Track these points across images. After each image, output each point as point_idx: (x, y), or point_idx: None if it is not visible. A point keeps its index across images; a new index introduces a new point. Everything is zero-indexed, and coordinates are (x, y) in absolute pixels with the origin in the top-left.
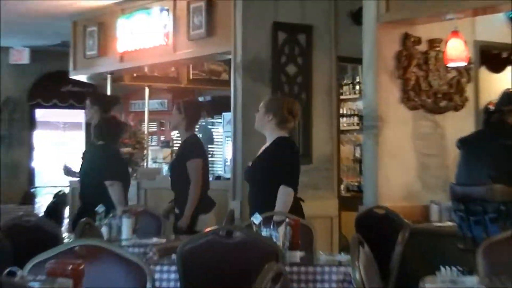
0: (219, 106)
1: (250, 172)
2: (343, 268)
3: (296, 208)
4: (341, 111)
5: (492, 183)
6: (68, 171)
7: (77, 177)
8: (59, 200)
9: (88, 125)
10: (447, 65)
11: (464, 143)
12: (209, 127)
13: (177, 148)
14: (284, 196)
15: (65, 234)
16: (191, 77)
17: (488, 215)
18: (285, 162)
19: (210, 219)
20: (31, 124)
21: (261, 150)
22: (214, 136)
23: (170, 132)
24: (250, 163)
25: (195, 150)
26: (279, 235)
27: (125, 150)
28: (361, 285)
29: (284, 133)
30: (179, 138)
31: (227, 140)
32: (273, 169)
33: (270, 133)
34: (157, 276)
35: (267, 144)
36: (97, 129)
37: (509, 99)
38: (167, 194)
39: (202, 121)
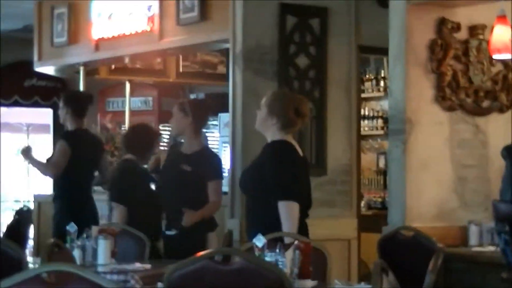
0: (215, 105)
1: (242, 180)
2: None
3: (300, 226)
4: (362, 112)
5: None
6: (27, 154)
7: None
8: (22, 218)
9: (57, 127)
10: (492, 57)
11: (511, 152)
12: (203, 130)
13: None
14: (287, 213)
15: (29, 258)
16: (180, 70)
17: None
18: (281, 171)
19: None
20: None
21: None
22: (208, 141)
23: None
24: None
25: (218, 168)
26: (286, 261)
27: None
28: None
29: (286, 137)
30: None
31: (224, 146)
32: (266, 179)
33: (271, 136)
34: None
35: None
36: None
37: None
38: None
39: None
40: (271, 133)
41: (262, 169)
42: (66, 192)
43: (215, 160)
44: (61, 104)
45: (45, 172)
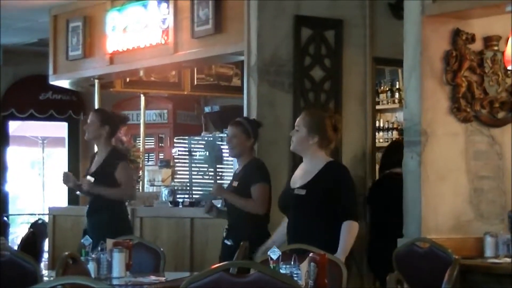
0: (230, 117)
1: (302, 200)
2: None
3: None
4: (377, 124)
5: None
6: (68, 180)
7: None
8: (37, 231)
9: (72, 141)
10: (507, 68)
11: None
12: (218, 143)
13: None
14: (351, 232)
15: (44, 271)
16: (195, 82)
17: None
18: (347, 191)
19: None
20: (3, 139)
21: (299, 178)
22: (223, 154)
23: (171, 149)
24: (301, 192)
25: (261, 173)
26: (301, 273)
27: None
28: None
29: (326, 155)
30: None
31: None
32: (333, 198)
33: (313, 157)
34: None
35: (312, 170)
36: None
37: None
38: (167, 223)
39: (209, 136)
40: (311, 152)
41: (332, 190)
42: (106, 206)
43: (259, 166)
44: (96, 121)
45: (127, 198)
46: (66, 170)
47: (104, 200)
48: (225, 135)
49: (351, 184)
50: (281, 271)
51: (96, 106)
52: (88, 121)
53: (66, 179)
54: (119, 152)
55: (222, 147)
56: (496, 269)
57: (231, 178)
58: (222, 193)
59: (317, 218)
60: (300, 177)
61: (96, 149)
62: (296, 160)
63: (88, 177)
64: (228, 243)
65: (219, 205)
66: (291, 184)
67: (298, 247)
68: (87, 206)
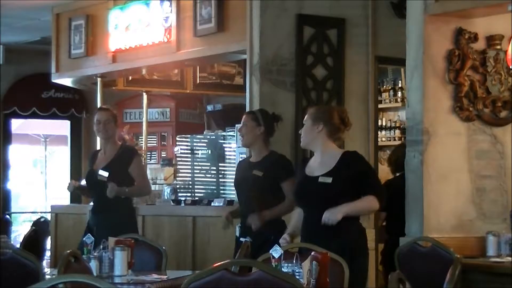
0: (232, 116)
1: (329, 186)
2: None
3: (361, 235)
4: (379, 123)
5: None
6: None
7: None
8: (39, 229)
9: (75, 139)
10: (510, 67)
11: None
12: (220, 141)
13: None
14: (366, 201)
15: (46, 269)
16: (198, 81)
17: None
18: (374, 177)
19: None
20: (6, 137)
21: (317, 168)
22: (225, 152)
23: (173, 147)
24: (327, 179)
25: (290, 168)
26: (303, 272)
27: None
28: None
29: (338, 147)
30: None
31: (242, 157)
32: (357, 186)
33: (324, 147)
34: None
35: (330, 160)
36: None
37: None
38: (169, 222)
39: (211, 135)
40: (321, 143)
41: (357, 178)
42: (114, 204)
43: (285, 160)
44: (112, 120)
45: (145, 194)
46: (69, 170)
47: (111, 198)
48: (228, 133)
49: (374, 170)
50: (283, 269)
51: (99, 105)
52: (102, 119)
53: (72, 188)
54: (132, 147)
55: (224, 145)
56: (498, 269)
57: (233, 176)
58: (264, 219)
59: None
60: (317, 168)
61: (99, 147)
62: (298, 160)
63: (101, 172)
64: (247, 240)
65: (221, 204)
66: (309, 174)
67: (287, 247)
68: (92, 203)
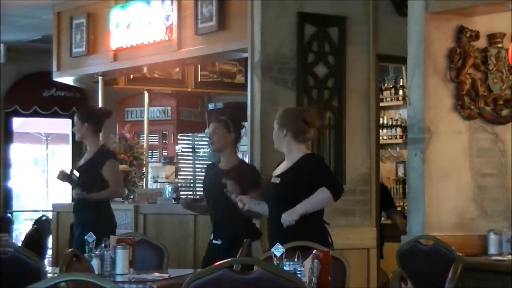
0: (232, 114)
1: (277, 189)
2: None
3: (321, 233)
4: (380, 121)
5: None
6: (64, 176)
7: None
8: (40, 227)
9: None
10: (511, 65)
11: None
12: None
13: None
14: (320, 196)
15: (48, 268)
16: (199, 79)
17: None
18: (328, 174)
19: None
20: (7, 136)
21: (279, 169)
22: None
23: (174, 145)
24: (276, 180)
25: (256, 180)
26: (304, 270)
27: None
28: None
29: (305, 149)
30: (188, 155)
31: (243, 156)
32: (307, 187)
33: (289, 150)
34: None
35: (289, 163)
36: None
37: None
38: (170, 220)
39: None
40: (287, 145)
41: (307, 177)
42: (92, 205)
43: (253, 173)
44: (78, 121)
45: (114, 197)
46: (66, 167)
47: (89, 199)
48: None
49: (330, 170)
50: (284, 268)
51: (100, 103)
52: (74, 121)
53: (61, 176)
54: (108, 150)
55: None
56: (500, 267)
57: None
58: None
59: (289, 206)
60: (280, 169)
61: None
62: None
63: (75, 172)
64: (218, 242)
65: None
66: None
67: (289, 246)
68: (74, 202)
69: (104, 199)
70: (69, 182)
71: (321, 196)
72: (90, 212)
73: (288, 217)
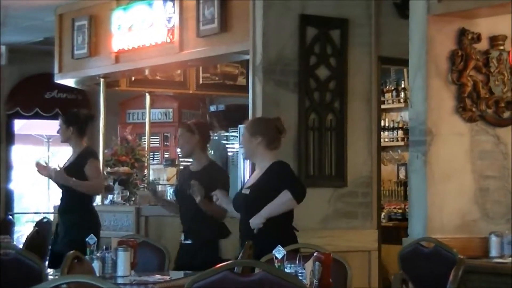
0: (235, 116)
1: (247, 199)
2: None
3: (289, 236)
4: (382, 123)
5: None
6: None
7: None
8: (42, 229)
9: None
10: None
11: None
12: (223, 142)
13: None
14: (282, 199)
15: (49, 270)
16: (200, 81)
17: None
18: (291, 178)
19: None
20: (9, 137)
21: (251, 180)
22: (228, 153)
23: (176, 148)
24: (246, 191)
25: (224, 181)
26: (306, 272)
27: (121, 169)
28: None
29: (275, 157)
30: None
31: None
32: (275, 193)
33: (261, 158)
34: None
35: (260, 171)
36: None
37: None
38: (172, 222)
39: (214, 135)
40: (260, 154)
41: (276, 188)
42: (75, 205)
43: (222, 174)
44: (62, 124)
45: (93, 192)
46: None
47: (73, 200)
48: (231, 134)
49: (294, 174)
50: (286, 270)
51: (101, 105)
52: (59, 124)
53: (38, 168)
54: (90, 150)
55: (227, 146)
56: (501, 269)
57: (236, 178)
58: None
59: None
60: (251, 179)
61: (101, 147)
62: (301, 158)
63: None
64: (188, 242)
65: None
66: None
67: (290, 248)
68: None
69: (81, 190)
70: (45, 175)
71: (282, 199)
72: (74, 213)
73: (254, 222)
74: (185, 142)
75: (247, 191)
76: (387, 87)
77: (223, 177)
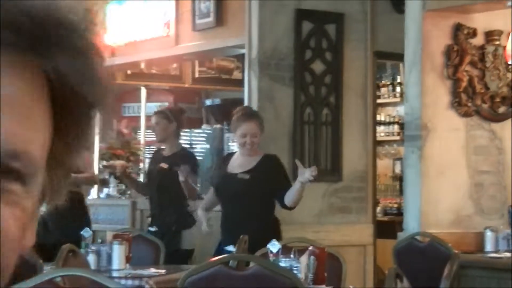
0: (230, 110)
1: (246, 182)
2: None
3: (274, 223)
4: (378, 118)
5: None
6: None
7: None
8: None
9: None
10: (508, 63)
11: None
12: (219, 135)
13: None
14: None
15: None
16: (196, 75)
17: None
18: (287, 180)
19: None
20: None
21: (243, 166)
22: (225, 147)
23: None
24: (244, 174)
25: (193, 164)
26: (300, 267)
27: (117, 163)
28: None
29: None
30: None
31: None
32: (272, 183)
33: (256, 151)
34: None
35: (253, 160)
36: None
37: None
38: None
39: (210, 129)
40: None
41: (273, 177)
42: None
43: (192, 157)
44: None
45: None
46: None
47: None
48: (226, 128)
49: (286, 173)
50: (280, 264)
51: None
52: None
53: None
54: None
55: (223, 139)
56: (496, 264)
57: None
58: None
59: (259, 200)
60: (239, 166)
61: (97, 142)
62: (296, 155)
63: None
64: (153, 229)
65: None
66: (229, 171)
67: (286, 243)
68: None
69: (79, 182)
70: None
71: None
72: (66, 206)
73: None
74: (162, 130)
75: (246, 176)
76: (383, 81)
77: (193, 161)
